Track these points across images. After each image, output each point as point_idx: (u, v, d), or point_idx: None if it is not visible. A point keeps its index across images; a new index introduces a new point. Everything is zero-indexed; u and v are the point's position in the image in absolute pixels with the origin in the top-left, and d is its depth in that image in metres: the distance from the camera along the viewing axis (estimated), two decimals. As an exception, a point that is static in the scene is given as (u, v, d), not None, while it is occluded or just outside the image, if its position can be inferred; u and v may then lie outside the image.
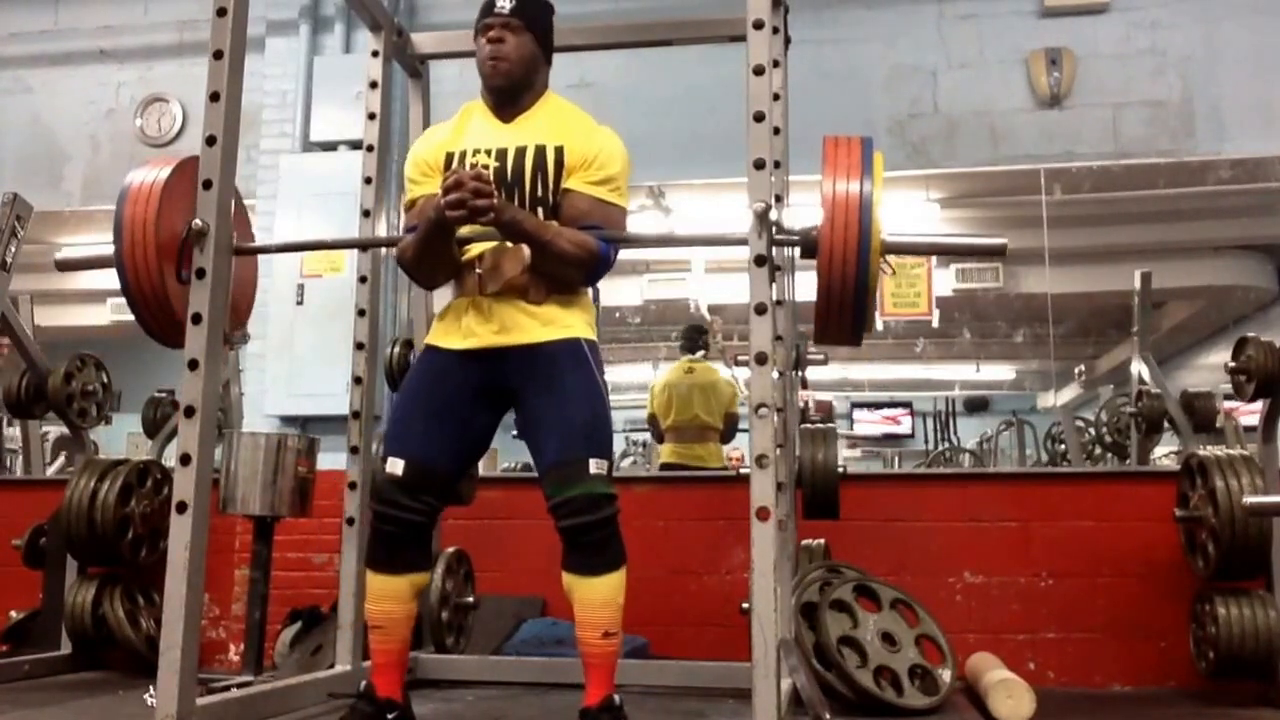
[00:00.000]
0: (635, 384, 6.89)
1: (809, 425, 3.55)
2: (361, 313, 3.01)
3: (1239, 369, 3.31)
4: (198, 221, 2.20)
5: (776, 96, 2.65)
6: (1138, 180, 4.97)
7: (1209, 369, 6.80)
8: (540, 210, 2.36)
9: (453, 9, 4.68)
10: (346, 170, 3.93)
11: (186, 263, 2.25)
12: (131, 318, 2.43)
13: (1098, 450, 5.47)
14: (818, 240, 2.14)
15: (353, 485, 2.94)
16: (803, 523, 3.42)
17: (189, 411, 2.16)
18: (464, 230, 2.30)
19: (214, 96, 2.26)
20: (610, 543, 2.27)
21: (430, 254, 2.36)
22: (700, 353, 5.41)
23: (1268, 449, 3.28)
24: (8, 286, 3.71)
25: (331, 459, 3.50)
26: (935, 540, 3.84)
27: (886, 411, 9.68)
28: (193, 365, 2.17)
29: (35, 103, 5.26)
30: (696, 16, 3.32)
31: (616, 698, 2.26)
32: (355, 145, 3.98)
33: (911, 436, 9.64)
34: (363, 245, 3.10)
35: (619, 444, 6.82)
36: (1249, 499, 2.96)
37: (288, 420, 4.32)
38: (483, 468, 3.68)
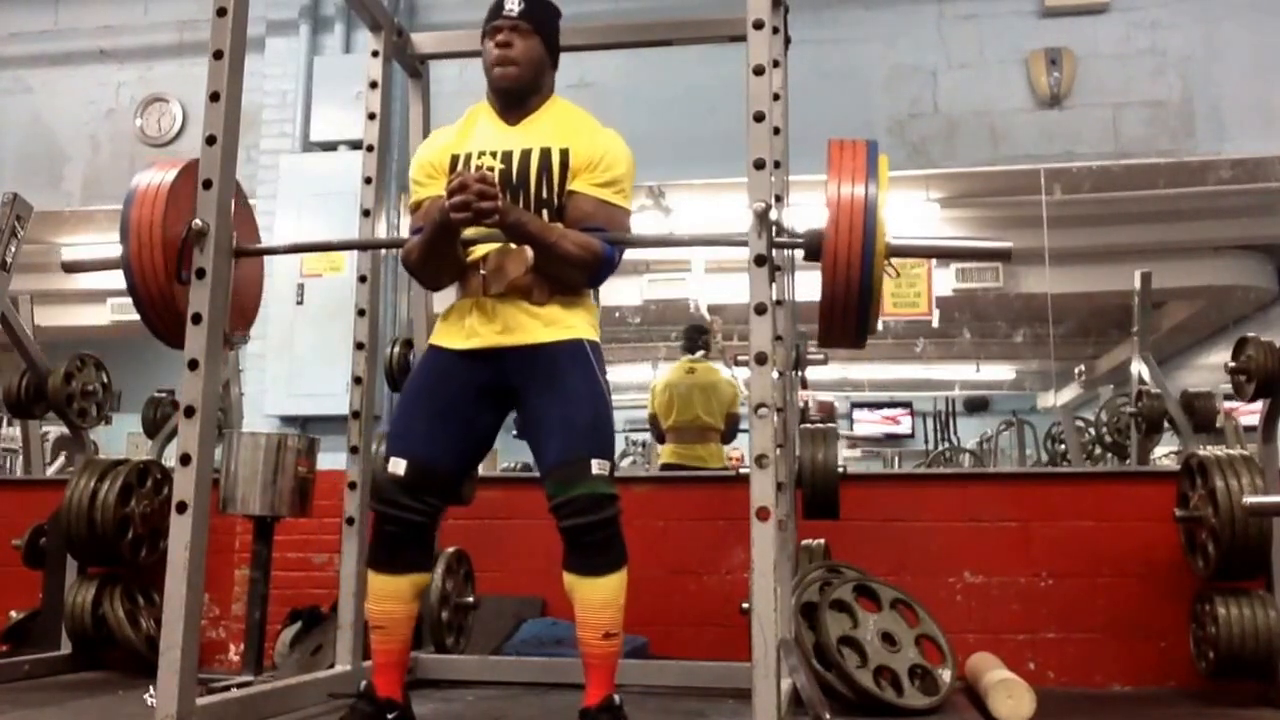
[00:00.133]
0: (635, 384, 6.88)
1: (809, 425, 3.55)
2: (361, 312, 3.01)
3: (1239, 369, 3.32)
4: (197, 221, 2.20)
5: (776, 96, 2.64)
6: (1138, 180, 4.95)
7: (1209, 369, 6.78)
8: (545, 212, 2.36)
9: (453, 9, 4.68)
10: (346, 170, 3.93)
11: (187, 263, 2.25)
12: (131, 318, 2.44)
13: (1098, 450, 5.46)
14: (822, 243, 2.14)
15: (353, 485, 2.94)
16: (803, 523, 3.42)
17: (189, 411, 2.16)
18: (469, 232, 2.30)
19: (214, 96, 2.26)
20: (612, 543, 2.27)
21: (435, 256, 2.36)
22: (701, 353, 5.40)
23: (1268, 449, 3.29)
24: (8, 286, 3.71)
25: (331, 459, 3.50)
26: (935, 540, 3.84)
27: (886, 411, 9.65)
28: (193, 365, 2.17)
29: (35, 103, 5.26)
30: (696, 16, 3.32)
31: (616, 698, 2.27)
32: (355, 145, 3.98)
33: (911, 436, 9.61)
34: (363, 246, 3.10)
35: (619, 444, 6.80)
36: (1249, 499, 2.96)
37: (288, 420, 4.32)
38: (482, 468, 3.67)
